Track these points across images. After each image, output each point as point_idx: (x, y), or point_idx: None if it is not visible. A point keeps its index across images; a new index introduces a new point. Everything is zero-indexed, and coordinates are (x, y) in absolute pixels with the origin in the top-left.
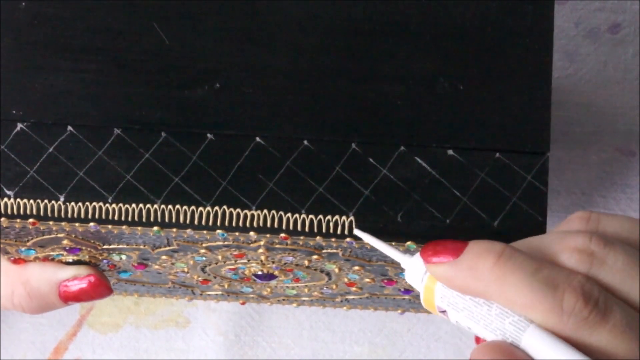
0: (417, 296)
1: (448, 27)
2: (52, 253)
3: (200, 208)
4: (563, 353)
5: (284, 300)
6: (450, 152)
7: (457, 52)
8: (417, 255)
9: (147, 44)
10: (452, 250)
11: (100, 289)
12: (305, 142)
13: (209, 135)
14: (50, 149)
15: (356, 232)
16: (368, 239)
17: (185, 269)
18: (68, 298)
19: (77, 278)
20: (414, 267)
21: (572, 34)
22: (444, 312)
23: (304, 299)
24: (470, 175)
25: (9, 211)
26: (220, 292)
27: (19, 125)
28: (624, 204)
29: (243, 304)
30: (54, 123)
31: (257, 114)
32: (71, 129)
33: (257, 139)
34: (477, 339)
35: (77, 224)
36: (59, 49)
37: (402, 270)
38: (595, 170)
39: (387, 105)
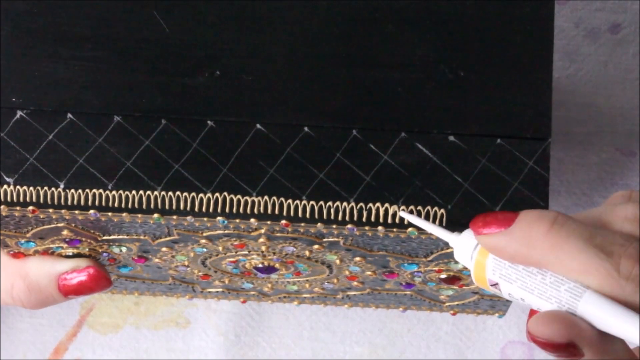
0: (419, 292)
1: (448, 14)
2: (51, 245)
3: (201, 195)
4: (623, 317)
5: (284, 297)
6: (452, 138)
7: (458, 39)
8: (465, 232)
9: (147, 32)
10: (502, 220)
11: (100, 281)
12: (306, 128)
13: (209, 122)
14: (50, 137)
15: (402, 213)
16: (414, 219)
17: (186, 262)
18: (68, 291)
19: (76, 270)
20: (463, 244)
21: (572, 34)
22: (495, 285)
23: (305, 295)
24: (472, 161)
25: (9, 199)
26: (220, 289)
27: (19, 113)
28: None
29: (244, 302)
30: (54, 110)
31: (257, 100)
32: (71, 116)
33: (258, 125)
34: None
35: (77, 212)
36: (58, 37)
37: (404, 261)
38: (595, 171)
39: (387, 92)
